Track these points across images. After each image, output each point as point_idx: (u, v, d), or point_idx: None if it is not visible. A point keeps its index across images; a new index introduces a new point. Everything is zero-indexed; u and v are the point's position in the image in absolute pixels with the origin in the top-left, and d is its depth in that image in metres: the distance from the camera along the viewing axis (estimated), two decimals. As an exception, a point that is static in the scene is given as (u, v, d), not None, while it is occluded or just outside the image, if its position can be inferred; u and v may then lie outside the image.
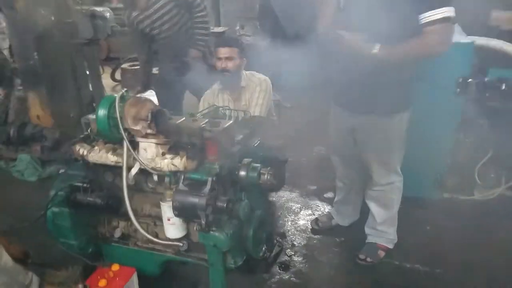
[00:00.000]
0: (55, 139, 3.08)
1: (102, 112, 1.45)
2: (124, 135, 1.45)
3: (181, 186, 1.43)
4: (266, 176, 1.54)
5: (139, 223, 1.71)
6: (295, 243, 2.16)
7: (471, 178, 2.26)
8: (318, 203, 2.54)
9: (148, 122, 1.45)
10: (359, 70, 1.67)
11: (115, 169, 1.67)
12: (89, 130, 1.81)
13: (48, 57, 3.12)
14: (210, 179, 1.39)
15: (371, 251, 1.99)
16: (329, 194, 2.60)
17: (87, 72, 3.39)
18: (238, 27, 5.61)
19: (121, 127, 1.44)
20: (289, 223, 2.33)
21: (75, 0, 3.01)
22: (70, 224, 1.76)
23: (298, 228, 2.28)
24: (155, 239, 1.63)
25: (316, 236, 2.21)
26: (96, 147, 1.67)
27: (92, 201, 1.67)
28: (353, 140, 1.89)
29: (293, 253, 2.07)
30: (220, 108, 1.98)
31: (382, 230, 1.99)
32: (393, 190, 1.89)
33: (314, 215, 2.40)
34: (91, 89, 3.46)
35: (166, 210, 1.51)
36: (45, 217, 1.72)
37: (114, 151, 1.62)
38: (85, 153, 1.67)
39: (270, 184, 1.57)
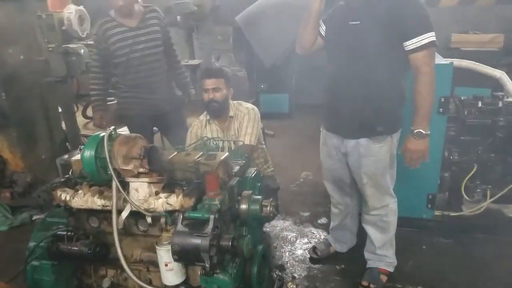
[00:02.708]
0: (26, 183, 2.87)
1: (88, 153, 1.35)
2: (114, 176, 1.34)
3: (180, 227, 1.33)
4: (268, 208, 1.47)
5: (131, 270, 1.59)
6: (295, 275, 2.06)
7: (459, 194, 2.29)
8: (313, 230, 2.47)
9: (141, 160, 1.36)
10: (348, 94, 1.68)
11: (102, 214, 1.55)
12: (70, 173, 1.69)
13: (18, 97, 2.97)
14: (212, 217, 1.30)
15: (373, 277, 1.93)
16: (323, 220, 2.55)
17: (59, 111, 3.26)
18: (213, 60, 5.65)
19: (110, 168, 1.33)
20: (287, 253, 2.24)
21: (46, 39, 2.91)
22: (53, 278, 1.60)
23: (297, 259, 2.19)
24: (148, 287, 1.49)
25: (315, 266, 2.13)
26: (80, 191, 1.54)
27: (77, 250, 1.52)
28: (346, 165, 1.87)
29: (295, 286, 1.97)
30: (211, 140, 1.91)
31: (382, 254, 1.95)
32: (389, 212, 1.87)
33: (311, 243, 2.33)
34: (63, 128, 3.31)
35: (163, 254, 1.39)
36: (25, 273, 1.54)
37: (100, 194, 1.50)
38: (68, 198, 1.53)
39: (273, 216, 1.50)
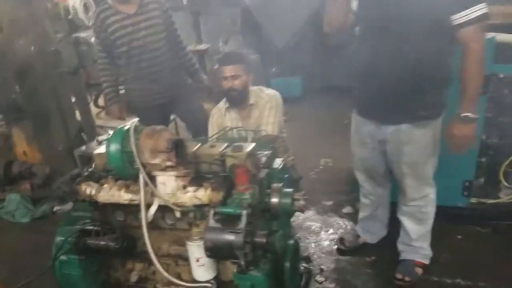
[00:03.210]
0: (45, 175, 2.86)
1: (114, 147, 1.29)
2: (143, 170, 1.28)
3: (211, 222, 1.27)
4: (301, 202, 1.40)
5: (159, 264, 1.55)
6: (323, 267, 2.01)
7: (496, 180, 2.18)
8: (338, 220, 2.40)
9: (168, 153, 1.29)
10: (387, 75, 1.56)
11: (128, 208, 1.51)
12: (92, 166, 1.65)
13: (31, 89, 2.94)
14: (244, 212, 1.24)
15: (408, 269, 1.86)
16: (348, 209, 2.48)
17: (73, 102, 3.21)
18: (221, 43, 5.51)
19: (138, 162, 1.27)
20: (312, 245, 2.19)
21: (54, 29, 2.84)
22: (81, 272, 1.57)
23: (323, 250, 2.14)
24: (180, 282, 1.45)
25: (344, 258, 2.07)
26: (105, 185, 1.49)
27: (104, 245, 1.48)
28: (382, 153, 1.76)
29: (323, 279, 1.92)
30: (234, 130, 1.84)
31: (417, 246, 1.87)
32: (428, 203, 1.78)
33: (337, 233, 2.26)
34: (78, 118, 3.27)
35: (194, 250, 1.34)
36: (53, 268, 1.52)
37: (127, 188, 1.45)
38: (93, 192, 1.49)
39: (305, 209, 1.43)
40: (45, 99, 2.99)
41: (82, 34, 2.92)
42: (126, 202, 1.45)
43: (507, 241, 2.08)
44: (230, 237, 1.22)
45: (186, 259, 1.52)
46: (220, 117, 2.21)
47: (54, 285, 1.61)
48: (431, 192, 1.78)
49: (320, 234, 2.28)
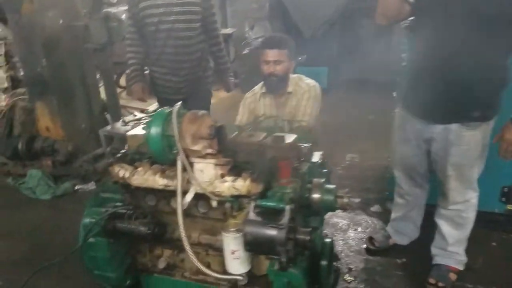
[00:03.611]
0: (68, 152, 2.83)
1: (155, 130, 1.23)
2: (183, 156, 1.22)
3: (252, 215, 1.20)
4: (344, 199, 1.33)
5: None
6: (351, 266, 1.94)
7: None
8: (367, 218, 2.32)
9: (210, 140, 1.23)
10: (441, 71, 1.46)
11: (161, 193, 1.46)
12: (125, 148, 1.59)
13: (57, 64, 2.89)
14: (288, 207, 1.17)
15: (441, 274, 1.78)
16: (376, 208, 2.39)
17: (98, 80, 3.17)
18: (247, 28, 5.38)
19: (179, 147, 1.21)
20: (340, 242, 2.12)
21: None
22: (109, 255, 1.53)
23: (352, 249, 2.07)
24: (211, 272, 1.40)
25: (373, 258, 2.00)
26: (139, 169, 1.44)
27: (135, 229, 1.44)
28: (425, 153, 1.67)
29: (352, 279, 1.86)
30: (271, 119, 1.76)
31: (453, 251, 1.79)
32: (469, 208, 1.69)
33: (365, 232, 2.19)
34: (102, 97, 3.23)
35: (230, 242, 1.29)
36: (81, 249, 1.48)
37: (162, 173, 1.40)
38: (126, 175, 1.44)
39: (349, 208, 1.36)
40: (70, 75, 2.94)
41: (112, 10, 2.85)
42: (161, 187, 1.39)
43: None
44: (272, 232, 1.15)
45: (217, 249, 1.48)
46: (254, 102, 2.12)
47: (78, 267, 1.58)
48: (473, 197, 1.69)
49: (347, 232, 2.21)
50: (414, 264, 1.92)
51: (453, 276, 1.79)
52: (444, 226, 1.76)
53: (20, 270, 2.02)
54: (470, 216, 1.71)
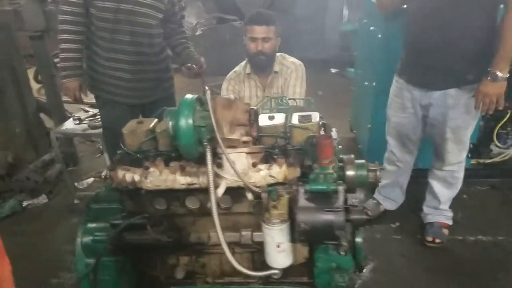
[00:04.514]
0: (7, 164, 2.35)
1: (185, 121, 1.05)
2: (223, 147, 1.08)
3: (303, 202, 1.12)
4: (378, 172, 1.32)
5: (210, 254, 1.38)
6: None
7: (490, 142, 2.34)
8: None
9: (250, 126, 1.10)
10: (435, 40, 1.53)
11: (172, 194, 1.28)
12: (122, 146, 1.36)
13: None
14: (341, 188, 1.12)
15: (436, 231, 1.93)
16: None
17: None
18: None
19: (219, 138, 1.06)
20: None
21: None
22: (116, 275, 1.32)
23: (349, 221, 2.11)
24: (251, 272, 1.28)
25: (369, 227, 2.07)
26: (152, 169, 1.24)
27: (153, 239, 1.25)
28: (421, 119, 1.76)
29: (359, 250, 1.90)
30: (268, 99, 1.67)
31: (443, 209, 1.95)
32: (461, 168, 1.85)
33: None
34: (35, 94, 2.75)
35: (275, 235, 1.19)
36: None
37: (182, 171, 1.22)
38: (137, 178, 1.23)
39: (380, 180, 1.35)
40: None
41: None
42: (184, 187, 1.22)
43: (503, 196, 2.28)
44: (329, 217, 1.09)
45: (243, 245, 1.37)
46: (238, 83, 1.99)
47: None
48: (465, 158, 1.84)
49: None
50: (408, 226, 2.05)
51: (445, 231, 1.96)
52: (437, 187, 1.90)
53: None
54: (461, 175, 1.87)
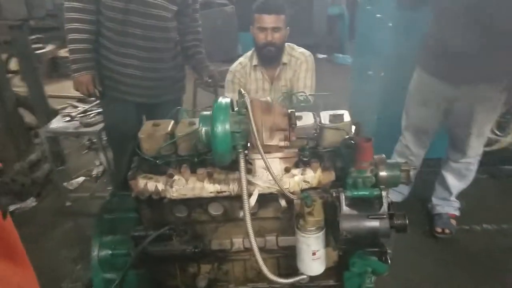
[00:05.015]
0: (-11, 167, 2.14)
1: (222, 127, 0.96)
2: (263, 154, 0.99)
3: (346, 209, 1.07)
4: (411, 172, 1.28)
5: (233, 261, 1.32)
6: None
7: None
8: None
9: (290, 132, 1.02)
10: (469, 36, 1.48)
11: (193, 201, 1.19)
12: (138, 151, 1.24)
13: None
14: (385, 194, 1.07)
15: (445, 222, 1.95)
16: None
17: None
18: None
19: (258, 144, 0.97)
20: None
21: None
22: (136, 290, 1.23)
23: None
24: (280, 279, 1.23)
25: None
26: (176, 177, 1.14)
27: (177, 250, 1.18)
28: (443, 112, 1.73)
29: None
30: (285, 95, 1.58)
31: (452, 200, 1.96)
32: (476, 162, 1.85)
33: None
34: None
35: (312, 243, 1.13)
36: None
37: (210, 178, 1.14)
38: (161, 187, 1.13)
39: (412, 181, 1.32)
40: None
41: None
42: (212, 195, 1.14)
43: (501, 183, 2.34)
44: (374, 224, 1.05)
45: (268, 251, 1.31)
46: (243, 76, 1.88)
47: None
48: (482, 151, 1.84)
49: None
50: (416, 218, 2.06)
51: (454, 222, 1.98)
52: (449, 178, 1.90)
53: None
54: (475, 168, 1.89)
